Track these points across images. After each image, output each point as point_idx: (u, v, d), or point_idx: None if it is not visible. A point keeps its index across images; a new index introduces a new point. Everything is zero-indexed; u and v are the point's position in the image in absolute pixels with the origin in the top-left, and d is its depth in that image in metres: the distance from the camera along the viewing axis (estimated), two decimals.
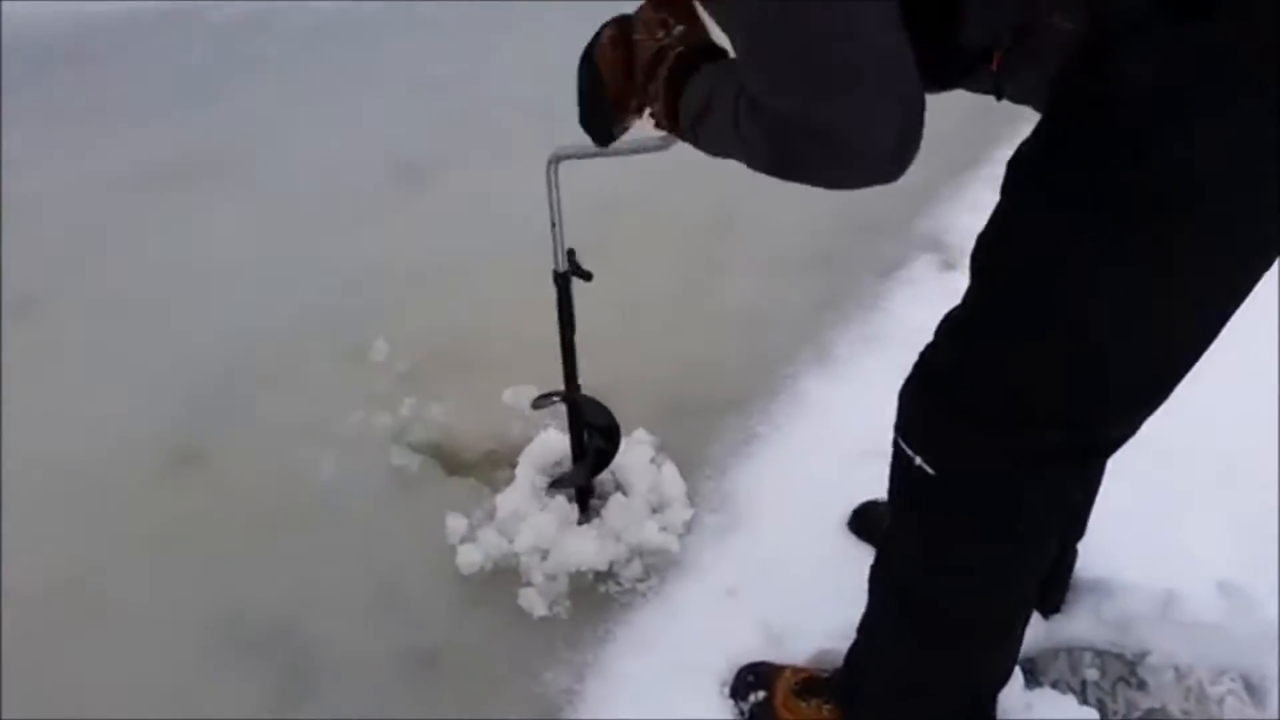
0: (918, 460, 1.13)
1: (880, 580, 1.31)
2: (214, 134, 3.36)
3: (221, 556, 1.86)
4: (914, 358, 2.15)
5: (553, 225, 1.56)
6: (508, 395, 2.17)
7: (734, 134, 0.96)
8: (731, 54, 0.97)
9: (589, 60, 1.17)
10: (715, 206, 2.87)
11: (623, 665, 1.60)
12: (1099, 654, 1.57)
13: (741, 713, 1.48)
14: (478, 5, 4.21)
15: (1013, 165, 1.03)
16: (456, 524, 1.86)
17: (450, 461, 2.06)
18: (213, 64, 3.95)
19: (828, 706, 1.41)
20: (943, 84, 1.03)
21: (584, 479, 1.82)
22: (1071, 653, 1.58)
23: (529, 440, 2.05)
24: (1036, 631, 1.58)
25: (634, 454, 1.93)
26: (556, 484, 1.84)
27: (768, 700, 1.45)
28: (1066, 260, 0.97)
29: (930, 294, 2.47)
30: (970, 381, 1.08)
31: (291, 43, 4.08)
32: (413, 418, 2.16)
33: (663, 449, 2.00)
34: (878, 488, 1.83)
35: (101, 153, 3.23)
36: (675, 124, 1.10)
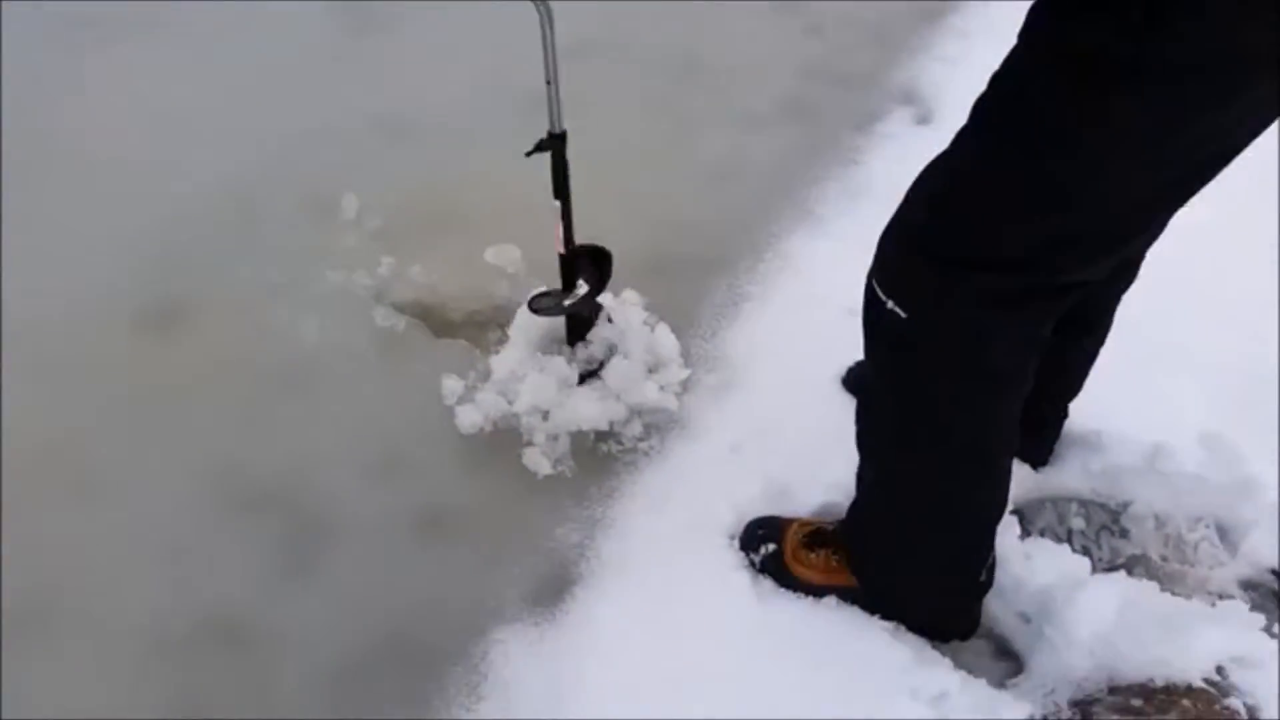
0: (890, 304, 1.17)
1: (865, 436, 1.36)
2: None
3: (212, 417, 1.83)
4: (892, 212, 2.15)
5: (548, 82, 1.49)
6: (490, 254, 2.12)
7: None
8: None
9: None
10: (680, 51, 2.78)
11: (633, 521, 1.64)
12: (1084, 504, 1.66)
13: (753, 563, 1.54)
14: None
15: (1034, 12, 1.01)
16: (453, 385, 1.85)
17: (437, 322, 2.03)
18: None
19: (835, 556, 1.48)
20: None
21: (583, 307, 1.77)
22: (1058, 503, 1.67)
23: (515, 301, 2.02)
24: (1025, 483, 1.67)
25: (627, 314, 1.92)
26: (549, 310, 1.77)
27: (778, 551, 1.51)
28: (1061, 120, 0.99)
29: (907, 150, 2.45)
30: (942, 225, 1.12)
31: None
32: (392, 277, 2.11)
33: (652, 308, 2.00)
34: None
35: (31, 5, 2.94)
36: None
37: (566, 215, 1.63)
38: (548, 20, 1.42)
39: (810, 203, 2.33)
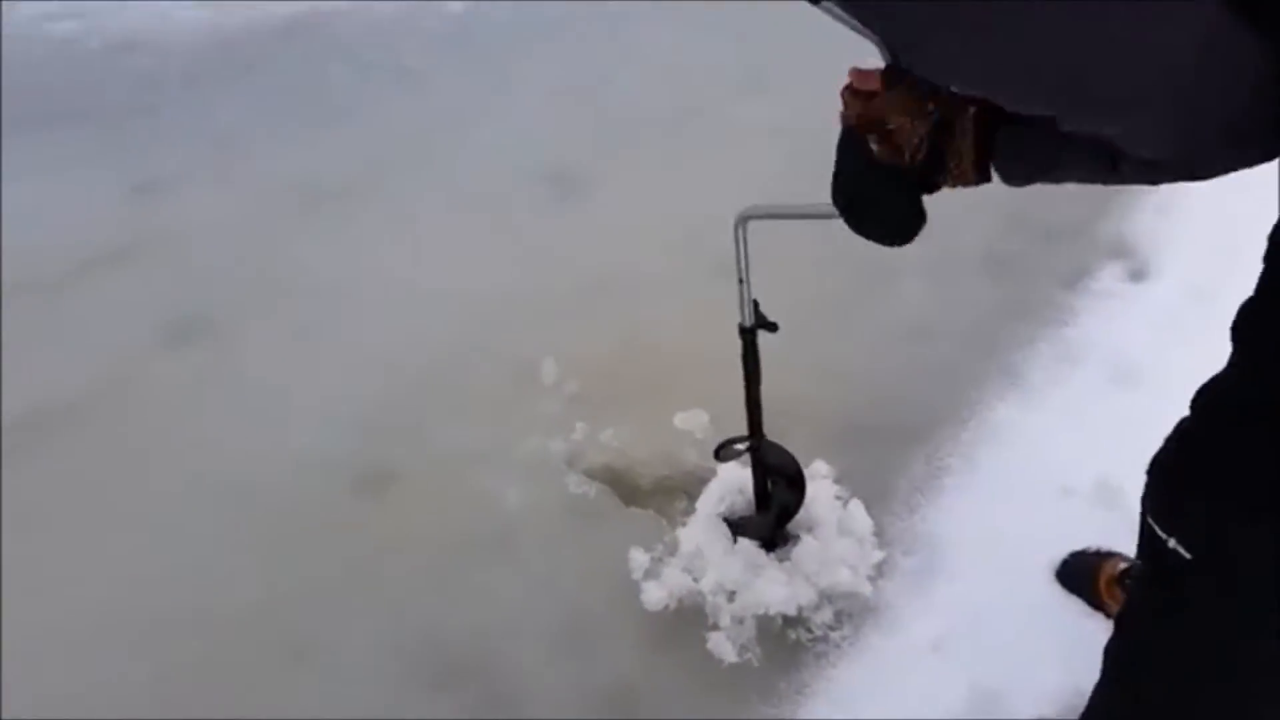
0: (1171, 543, 1.04)
1: (1117, 676, 1.21)
2: (359, 150, 3.40)
3: (413, 585, 1.89)
4: (1113, 381, 2.02)
5: (740, 281, 1.52)
6: (679, 420, 2.14)
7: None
8: None
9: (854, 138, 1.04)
10: None
11: None
12: None
13: None
14: (600, 5, 4.16)
15: None
16: (639, 558, 1.84)
17: (626, 490, 2.04)
18: (347, 76, 3.98)
19: None
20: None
21: (768, 531, 1.76)
22: None
23: (704, 467, 2.02)
24: None
25: (817, 489, 1.86)
26: (740, 530, 1.79)
27: None
28: None
29: (1122, 309, 2.32)
30: (1233, 460, 0.98)
31: (425, 52, 4.10)
32: (586, 442, 2.14)
33: (843, 480, 1.93)
34: (1083, 532, 1.76)
35: (250, 172, 3.31)
36: (982, 176, 1.03)
37: (755, 406, 1.63)
38: (742, 231, 1.45)
39: (1017, 367, 2.22)
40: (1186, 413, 1.04)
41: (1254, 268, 1.04)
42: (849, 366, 2.27)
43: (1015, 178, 1.02)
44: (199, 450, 2.23)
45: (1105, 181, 0.92)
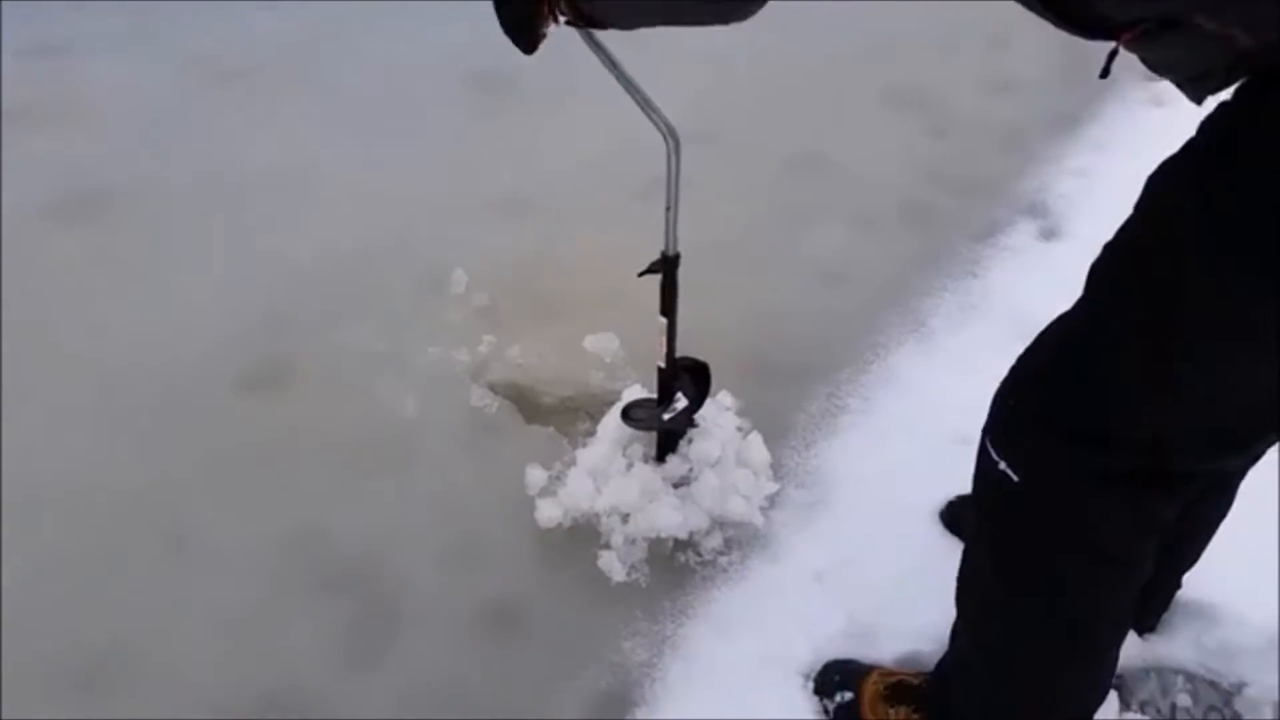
0: (1002, 464, 1.10)
1: (964, 596, 1.28)
2: (278, 30, 3.21)
3: (301, 485, 1.85)
4: (1013, 335, 2.07)
5: (667, 208, 1.49)
6: (589, 342, 2.12)
7: None
8: None
9: None
10: (800, 146, 2.75)
11: (703, 646, 1.58)
12: (1192, 679, 1.53)
13: (826, 710, 1.46)
14: None
15: (1164, 179, 0.95)
16: (536, 476, 1.83)
17: (529, 407, 2.02)
18: None
19: (917, 715, 1.39)
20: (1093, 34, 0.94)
21: (659, 423, 1.75)
22: (1163, 674, 1.54)
23: (609, 390, 2.01)
24: (1129, 649, 1.53)
25: (719, 420, 1.88)
26: (631, 418, 1.74)
27: (854, 702, 1.43)
28: (1192, 300, 0.93)
29: (1031, 265, 2.37)
30: (1059, 392, 1.06)
31: None
32: (491, 356, 2.11)
33: (745, 413, 1.95)
34: (970, 478, 1.81)
35: (168, 42, 3.12)
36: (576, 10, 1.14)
37: (671, 334, 1.61)
38: (674, 151, 1.42)
39: (923, 314, 2.26)
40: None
41: None
42: (760, 305, 2.27)
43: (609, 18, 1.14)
44: (85, 331, 2.14)
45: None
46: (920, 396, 2.02)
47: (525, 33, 1.22)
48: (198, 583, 1.69)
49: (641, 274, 1.54)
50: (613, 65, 1.35)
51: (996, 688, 1.27)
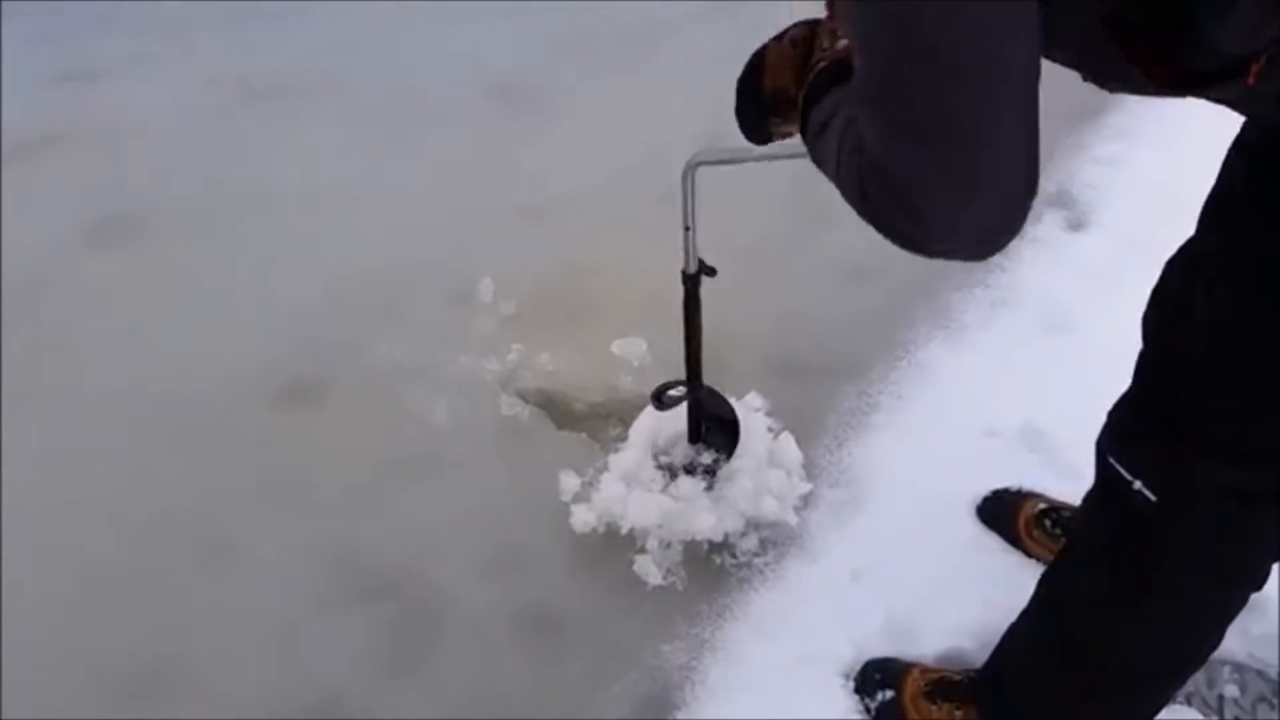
0: (1136, 484, 1.06)
1: (1049, 614, 1.25)
2: (304, 50, 3.25)
3: (337, 497, 1.87)
4: (1043, 327, 2.05)
5: (686, 229, 1.51)
6: (617, 346, 2.13)
7: (834, 164, 0.83)
8: None
9: (759, 56, 1.08)
10: None
11: (742, 647, 1.58)
12: (1239, 668, 1.51)
13: (867, 709, 1.45)
14: None
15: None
16: (569, 481, 1.84)
17: (560, 413, 2.03)
18: None
19: (959, 711, 1.38)
20: (1178, 91, 0.91)
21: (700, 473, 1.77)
22: (1209, 665, 1.51)
23: (639, 395, 2.01)
24: None
25: (749, 421, 1.87)
26: (667, 468, 1.79)
27: (896, 700, 1.42)
28: None
29: (1059, 256, 2.34)
30: (1203, 405, 1.00)
31: None
32: (521, 364, 2.13)
33: (776, 414, 1.94)
34: (1005, 472, 1.80)
35: (192, 65, 3.17)
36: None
37: (695, 354, 1.64)
38: (691, 179, 1.44)
39: (951, 309, 2.24)
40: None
41: (1191, 223, 1.06)
42: (787, 304, 2.27)
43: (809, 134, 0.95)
44: (124, 351, 2.18)
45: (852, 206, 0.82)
46: (952, 391, 2.00)
47: (754, 135, 1.14)
48: (241, 596, 1.71)
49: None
50: None
51: (1081, 700, 1.23)
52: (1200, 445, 1.00)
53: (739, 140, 1.17)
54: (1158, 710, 1.24)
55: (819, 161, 0.91)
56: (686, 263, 1.54)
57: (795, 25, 1.06)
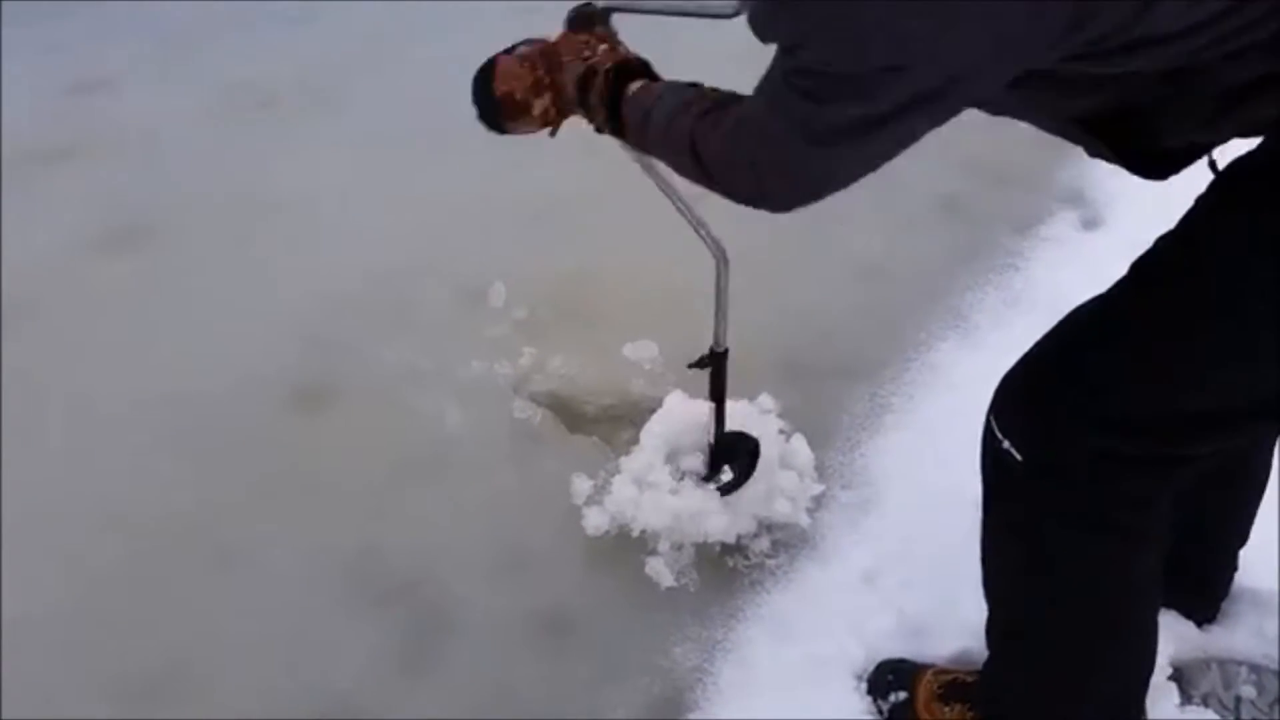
0: (1005, 444, 1.11)
1: (987, 583, 1.28)
2: (310, 55, 3.28)
3: (348, 502, 1.88)
4: None
5: (716, 311, 1.56)
6: (628, 350, 2.13)
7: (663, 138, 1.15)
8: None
9: (486, 72, 1.37)
10: None
11: (755, 648, 1.58)
12: (1256, 669, 1.50)
13: (880, 711, 1.45)
14: None
15: (1232, 177, 0.98)
16: (581, 484, 1.85)
17: (571, 417, 2.04)
18: None
19: (971, 714, 1.37)
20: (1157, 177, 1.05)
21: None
22: (1225, 666, 1.51)
23: (650, 398, 2.02)
24: (1188, 640, 1.52)
25: (761, 423, 1.87)
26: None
27: (909, 702, 1.42)
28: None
29: (1072, 255, 2.34)
30: (1075, 376, 1.08)
31: None
32: (532, 368, 2.13)
33: (787, 415, 1.94)
34: None
35: (198, 73, 3.20)
36: (619, 125, 1.26)
37: (720, 416, 1.66)
38: (723, 264, 1.50)
39: (964, 309, 2.24)
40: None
41: None
42: (799, 304, 2.27)
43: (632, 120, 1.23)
44: (133, 357, 2.19)
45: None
46: (964, 392, 1.98)
47: (492, 127, 1.45)
48: (251, 599, 1.72)
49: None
50: (665, 186, 1.47)
51: (1035, 674, 1.26)
52: (1069, 410, 1.05)
53: None
54: (1133, 668, 1.23)
55: (638, 131, 1.22)
56: (716, 339, 1.58)
57: (522, 43, 1.34)
